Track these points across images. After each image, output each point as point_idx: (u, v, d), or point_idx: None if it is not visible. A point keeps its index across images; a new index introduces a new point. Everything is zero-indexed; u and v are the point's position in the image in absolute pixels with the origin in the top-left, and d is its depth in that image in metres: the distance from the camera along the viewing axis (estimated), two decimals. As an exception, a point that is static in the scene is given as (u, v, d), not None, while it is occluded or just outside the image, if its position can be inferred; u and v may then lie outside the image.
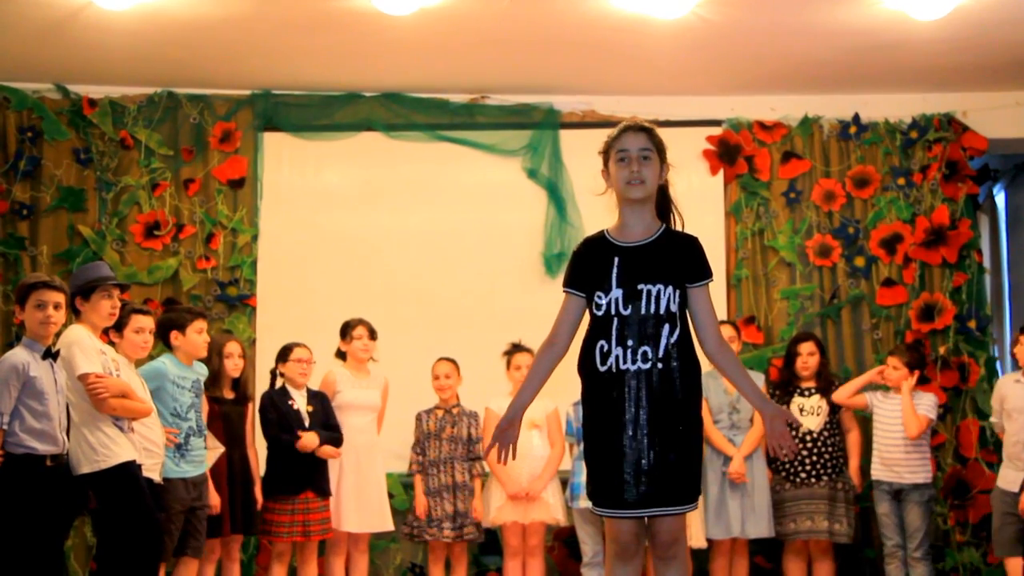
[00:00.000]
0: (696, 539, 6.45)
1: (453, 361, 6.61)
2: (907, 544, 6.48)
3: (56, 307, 4.75)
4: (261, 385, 6.69)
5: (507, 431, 3.79)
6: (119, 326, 5.44)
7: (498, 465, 6.41)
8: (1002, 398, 6.33)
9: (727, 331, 6.69)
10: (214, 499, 5.87)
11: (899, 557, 6.52)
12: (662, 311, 3.67)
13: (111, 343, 5.48)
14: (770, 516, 6.53)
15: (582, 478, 6.24)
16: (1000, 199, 8.60)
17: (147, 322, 5.55)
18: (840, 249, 7.52)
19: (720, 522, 6.51)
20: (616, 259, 3.74)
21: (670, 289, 3.69)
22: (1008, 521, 6.15)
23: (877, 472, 6.59)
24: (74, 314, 5.10)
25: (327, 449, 6.19)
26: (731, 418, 6.61)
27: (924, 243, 7.46)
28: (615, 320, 3.68)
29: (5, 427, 4.59)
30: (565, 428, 6.59)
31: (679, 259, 3.74)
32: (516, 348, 6.61)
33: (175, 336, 5.84)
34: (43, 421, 4.65)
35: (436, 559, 6.53)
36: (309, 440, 6.14)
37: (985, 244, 8.11)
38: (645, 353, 3.65)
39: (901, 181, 7.55)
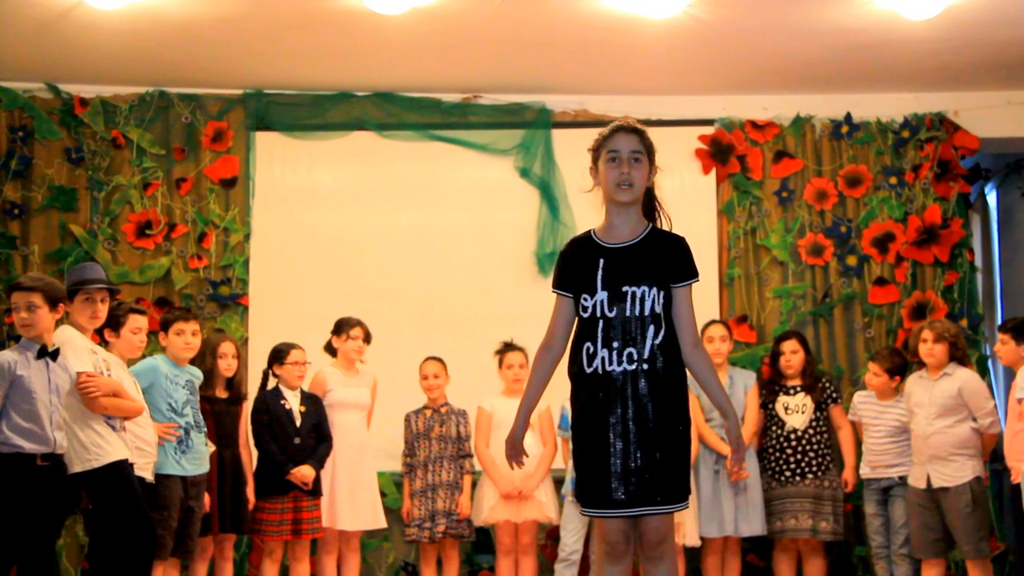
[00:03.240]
0: (690, 537, 6.46)
1: (441, 360, 6.61)
2: (893, 539, 6.47)
3: (29, 308, 4.71)
4: (253, 384, 6.68)
5: (520, 443, 3.91)
6: (116, 325, 5.47)
7: (491, 464, 6.42)
8: (908, 396, 6.37)
9: (718, 330, 6.72)
10: (204, 499, 5.87)
11: (886, 557, 6.53)
12: (647, 312, 3.69)
13: (104, 343, 5.49)
14: (763, 514, 6.54)
15: None
16: (992, 198, 8.61)
17: (143, 322, 5.60)
18: (832, 248, 7.54)
19: (713, 520, 6.52)
20: (601, 261, 3.77)
21: (655, 290, 3.71)
22: (922, 521, 6.16)
23: (866, 472, 6.60)
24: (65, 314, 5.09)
25: (304, 475, 6.17)
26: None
27: (916, 242, 7.47)
28: (600, 322, 3.71)
29: None
30: (559, 423, 6.58)
31: (664, 259, 3.77)
32: (508, 347, 6.61)
33: (162, 337, 5.91)
34: (31, 420, 4.64)
35: (427, 558, 6.53)
36: (305, 474, 6.15)
37: (977, 243, 8.11)
38: (631, 354, 3.67)
39: (893, 180, 7.56)
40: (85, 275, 5.16)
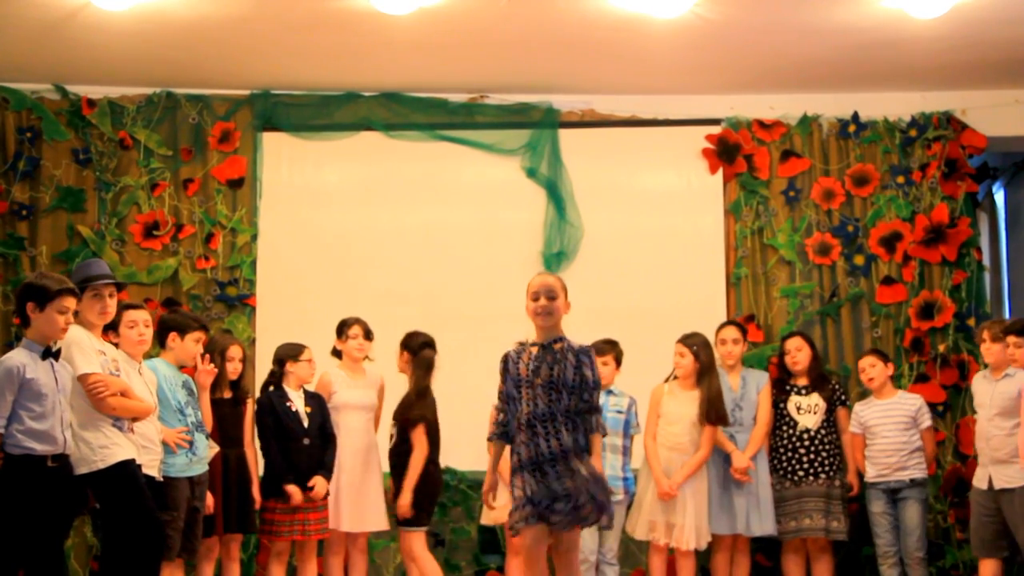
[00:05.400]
0: (685, 542, 6.40)
1: None
2: (906, 542, 6.47)
3: (73, 314, 4.79)
4: (260, 385, 6.69)
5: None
6: (114, 325, 5.45)
7: (500, 464, 6.41)
8: (973, 394, 6.37)
9: (731, 332, 6.72)
10: (207, 499, 5.89)
11: (893, 556, 6.52)
12: None
13: (114, 344, 5.49)
14: (773, 514, 6.54)
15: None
16: (999, 197, 8.60)
17: (138, 315, 5.51)
18: (839, 247, 7.53)
19: (723, 518, 6.50)
20: None
21: None
22: (983, 521, 6.13)
23: (872, 476, 6.59)
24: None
25: (318, 491, 6.18)
26: (733, 415, 6.61)
27: (923, 241, 7.46)
28: None
29: (2, 430, 4.59)
30: None
31: None
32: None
33: (173, 338, 5.85)
34: (42, 422, 4.65)
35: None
36: (319, 491, 6.15)
37: (984, 242, 8.10)
38: None
39: (900, 179, 7.55)
40: (91, 271, 5.15)
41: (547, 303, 4.85)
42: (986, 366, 6.28)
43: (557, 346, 4.83)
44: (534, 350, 4.86)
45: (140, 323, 5.48)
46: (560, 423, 4.70)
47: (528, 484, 4.66)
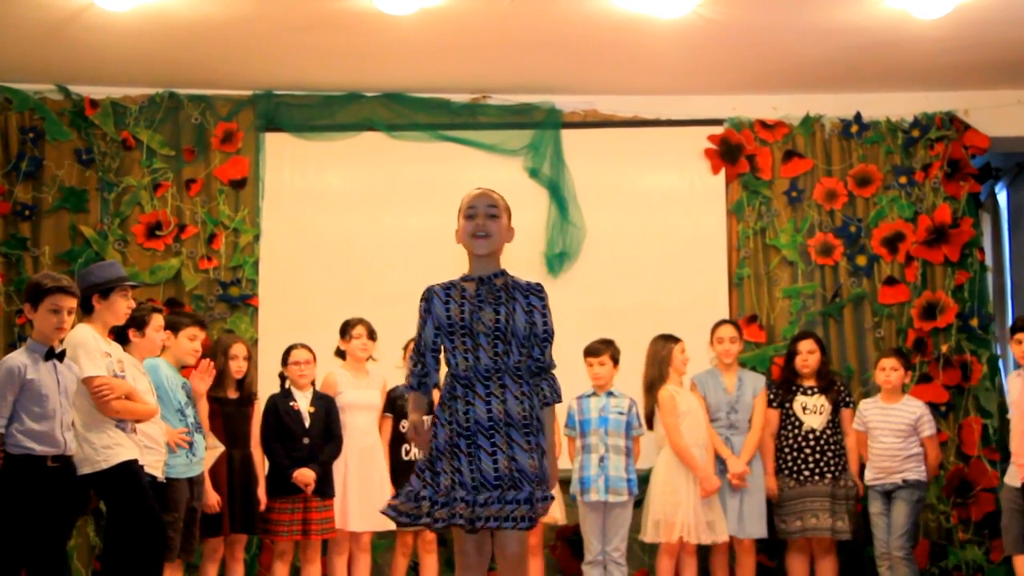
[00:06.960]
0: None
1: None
2: (890, 539, 6.45)
3: (69, 312, 4.76)
4: (263, 385, 6.70)
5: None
6: (140, 325, 5.53)
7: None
8: (1008, 392, 6.37)
9: (728, 331, 6.73)
10: (212, 498, 5.90)
11: (889, 558, 6.52)
12: None
13: (127, 341, 5.51)
14: (764, 517, 6.55)
15: (591, 471, 6.28)
16: (1002, 197, 8.59)
17: (163, 320, 5.71)
18: (842, 248, 7.52)
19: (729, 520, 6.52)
20: None
21: None
22: (1015, 517, 6.11)
23: (870, 477, 6.58)
24: (84, 312, 5.10)
25: (304, 476, 6.18)
26: (729, 417, 6.62)
27: (926, 241, 7.46)
28: None
29: (2, 430, 4.59)
30: (566, 421, 6.56)
31: None
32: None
33: (167, 336, 5.89)
34: (42, 423, 4.65)
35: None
36: (305, 475, 6.16)
37: (987, 242, 8.10)
38: None
39: (903, 180, 7.55)
40: (120, 272, 5.26)
41: (486, 222, 3.86)
42: (996, 365, 6.31)
43: (499, 281, 3.87)
44: (468, 286, 3.86)
45: (162, 328, 5.65)
46: (508, 383, 3.75)
47: (447, 471, 3.70)
